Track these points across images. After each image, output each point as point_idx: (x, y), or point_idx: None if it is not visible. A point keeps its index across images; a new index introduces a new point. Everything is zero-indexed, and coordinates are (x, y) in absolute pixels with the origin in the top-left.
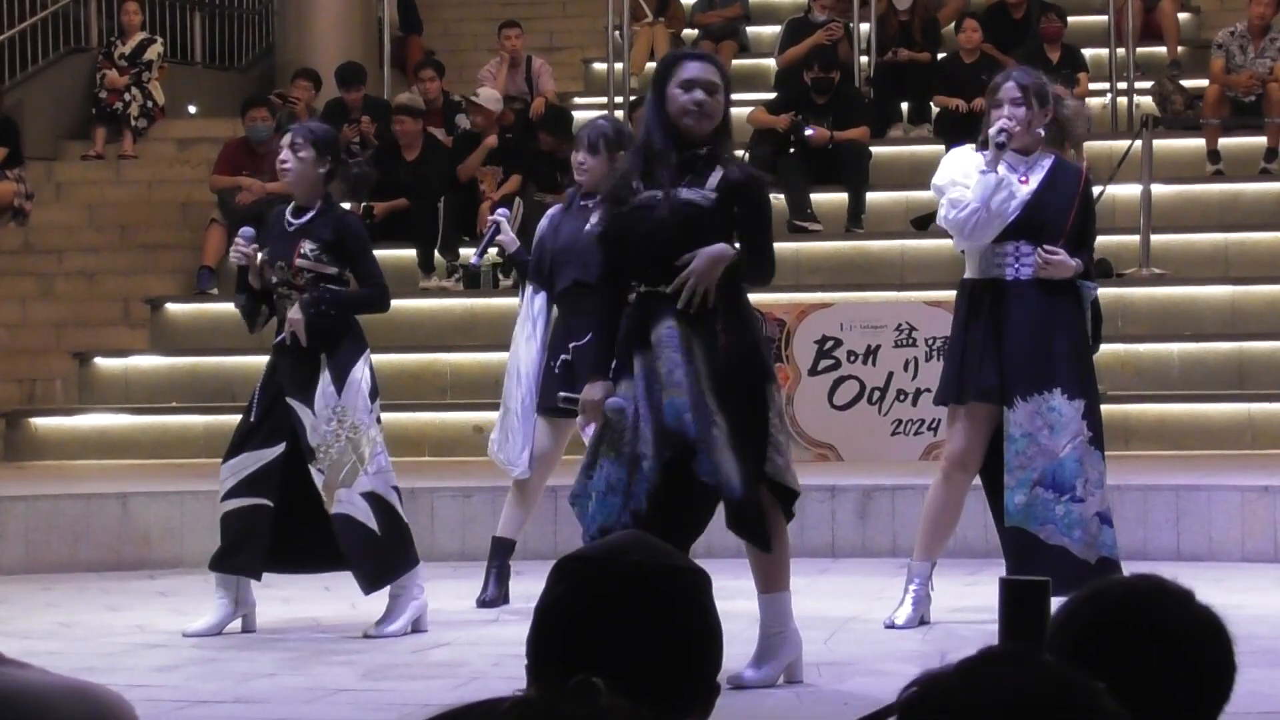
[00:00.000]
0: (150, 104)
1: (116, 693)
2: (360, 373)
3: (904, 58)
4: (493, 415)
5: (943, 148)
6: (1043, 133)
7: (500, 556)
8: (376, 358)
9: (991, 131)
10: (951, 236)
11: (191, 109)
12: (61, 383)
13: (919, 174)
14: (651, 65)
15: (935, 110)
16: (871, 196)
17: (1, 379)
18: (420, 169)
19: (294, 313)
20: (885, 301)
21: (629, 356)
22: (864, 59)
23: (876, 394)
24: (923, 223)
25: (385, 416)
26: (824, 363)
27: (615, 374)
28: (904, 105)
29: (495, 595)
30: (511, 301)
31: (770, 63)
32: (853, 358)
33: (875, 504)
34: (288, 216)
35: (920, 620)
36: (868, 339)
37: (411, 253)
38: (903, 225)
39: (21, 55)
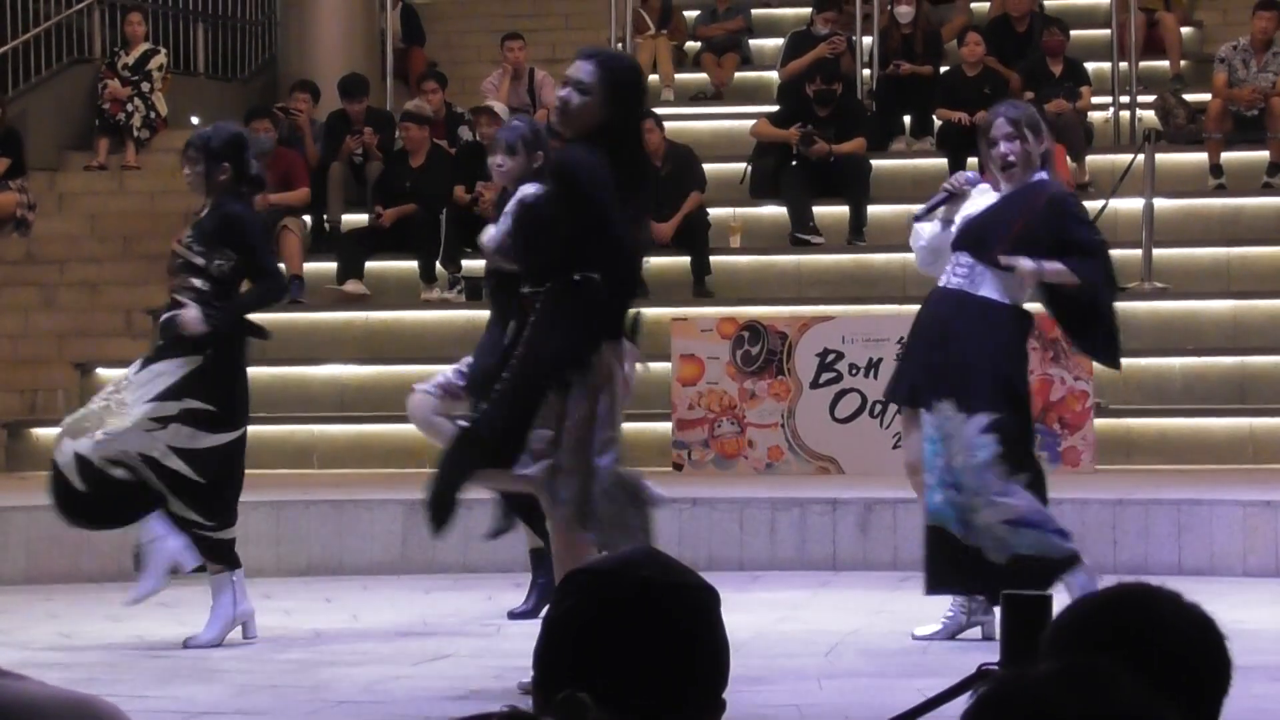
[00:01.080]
0: (153, 115)
1: (113, 705)
2: (174, 376)
3: (906, 71)
4: None
5: (945, 161)
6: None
7: (542, 567)
8: (376, 369)
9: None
10: None
11: (194, 120)
12: (63, 393)
13: (921, 187)
14: (654, 77)
15: (938, 123)
16: (873, 209)
17: (3, 389)
18: (425, 177)
19: (191, 311)
20: (887, 314)
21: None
22: (866, 72)
23: (878, 407)
24: None
25: (386, 429)
26: (825, 376)
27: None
28: (906, 118)
29: (532, 609)
30: None
31: (772, 75)
32: (854, 370)
33: (877, 517)
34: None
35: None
36: (870, 352)
37: (413, 264)
38: (904, 238)
39: (25, 66)
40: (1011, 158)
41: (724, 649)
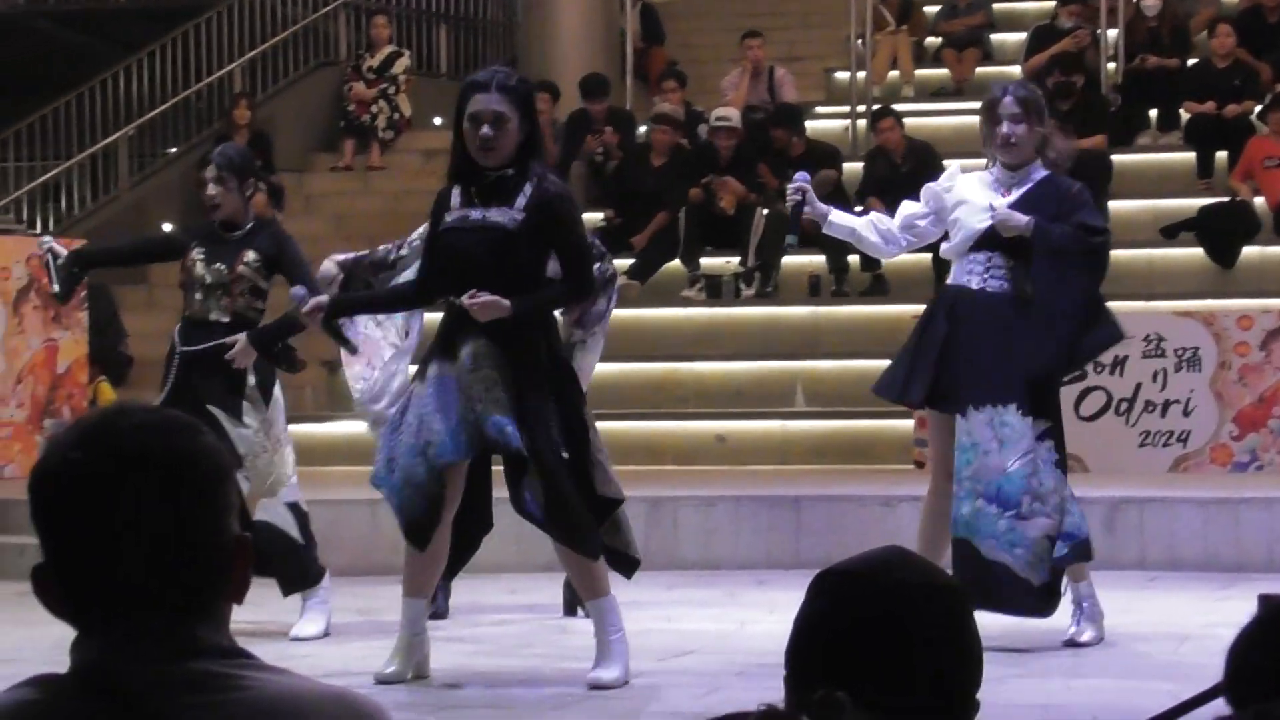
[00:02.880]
0: (397, 116)
1: (375, 700)
2: (278, 392)
3: (1152, 64)
4: (737, 425)
5: (1193, 155)
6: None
7: None
8: (618, 367)
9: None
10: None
11: (437, 120)
12: (311, 390)
13: (1167, 182)
14: (893, 74)
15: (1185, 117)
16: (1118, 205)
17: None
18: (666, 177)
19: (241, 342)
20: (1133, 312)
21: (429, 358)
22: (1111, 66)
23: (1124, 405)
24: (1171, 231)
25: (629, 426)
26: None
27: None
28: (1152, 112)
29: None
30: (755, 311)
31: (1015, 70)
32: (1100, 368)
33: (1123, 516)
34: (219, 229)
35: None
36: (1115, 349)
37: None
38: (1151, 234)
39: (273, 70)
40: (1013, 139)
41: (976, 649)
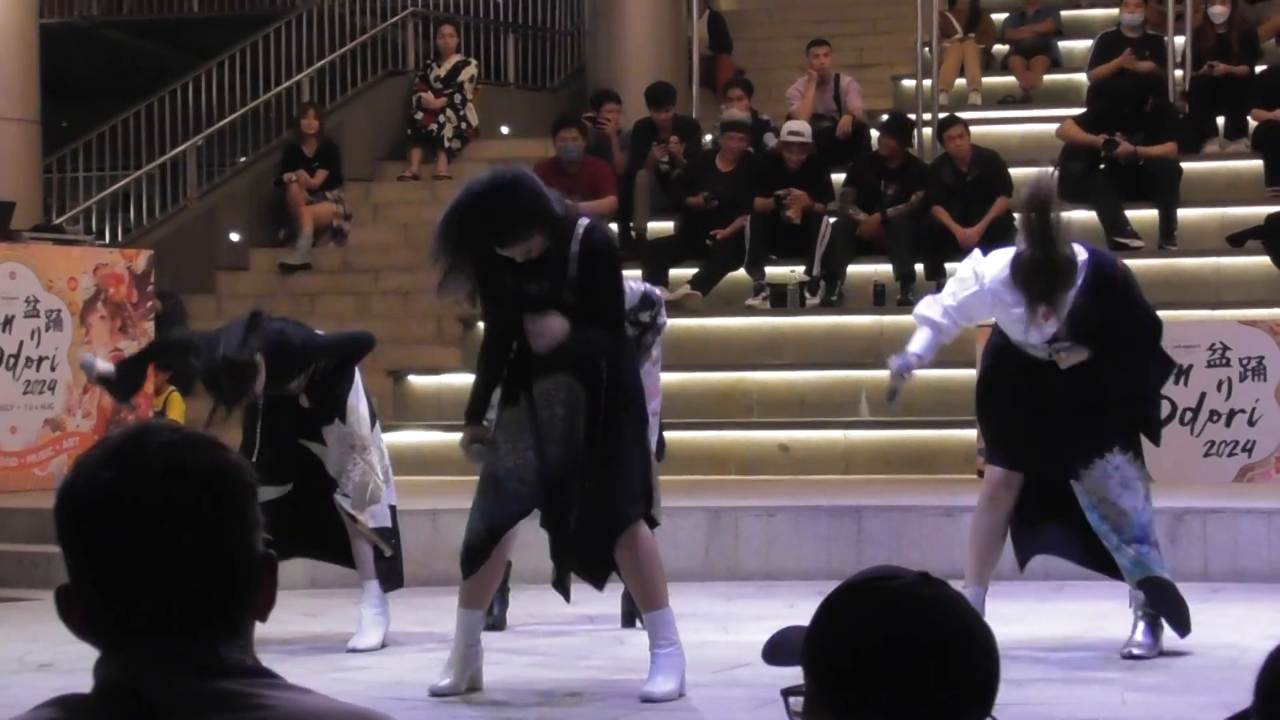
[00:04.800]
0: (464, 125)
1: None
2: (354, 399)
3: (1220, 71)
4: (800, 434)
5: (1260, 163)
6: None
7: None
8: (682, 376)
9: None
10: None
11: (504, 130)
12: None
13: (1235, 190)
14: (961, 81)
15: (1253, 125)
16: (1185, 213)
17: None
18: (734, 183)
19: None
20: (1198, 320)
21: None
22: (1179, 73)
23: (1189, 415)
24: (1239, 239)
25: (692, 435)
26: None
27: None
28: (1220, 120)
29: None
30: (819, 320)
31: (1083, 78)
32: None
33: (1187, 527)
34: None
35: None
36: (1180, 358)
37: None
38: (1217, 242)
39: (342, 79)
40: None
41: (995, 661)
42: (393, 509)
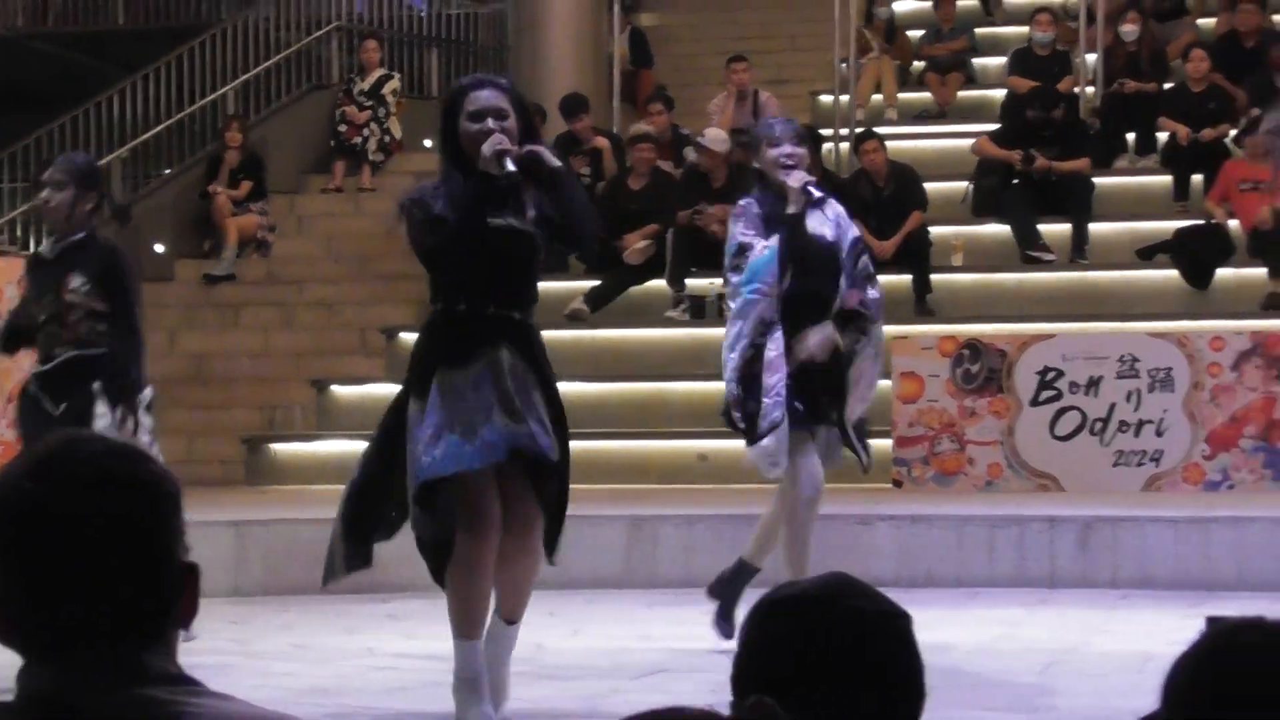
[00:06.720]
0: (388, 138)
1: None
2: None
3: (1131, 88)
4: (719, 444)
5: (1170, 178)
6: None
7: None
8: (603, 386)
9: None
10: None
11: (427, 143)
12: (301, 409)
13: (1144, 204)
14: (877, 97)
15: (1162, 139)
16: (1096, 227)
17: (245, 406)
18: (648, 199)
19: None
20: (1109, 332)
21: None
22: (1090, 89)
23: (1099, 425)
24: (1148, 253)
25: (613, 444)
26: (1045, 394)
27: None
28: (1130, 136)
29: None
30: None
31: (997, 94)
32: (1075, 389)
33: (1096, 535)
34: (44, 250)
35: None
36: (1090, 370)
37: (645, 284)
38: (1128, 256)
39: (266, 92)
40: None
41: (921, 675)
42: None
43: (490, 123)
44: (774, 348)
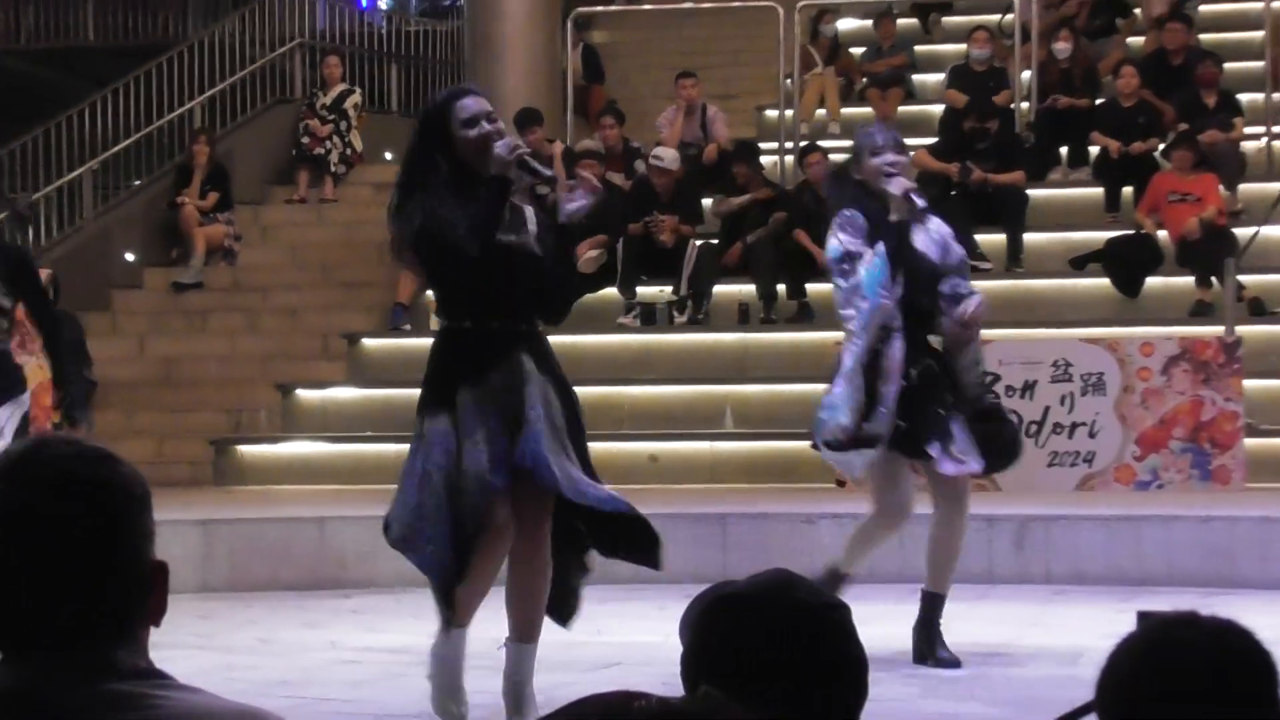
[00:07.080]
0: (349, 151)
1: (280, 717)
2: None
3: (1064, 104)
4: (669, 445)
5: (1101, 190)
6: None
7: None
8: None
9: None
10: None
11: (388, 155)
12: (265, 412)
13: (1076, 215)
14: (821, 112)
15: (1094, 153)
16: (1031, 237)
17: (211, 408)
18: (597, 211)
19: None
20: (1043, 338)
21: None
22: (1025, 105)
23: (1034, 427)
24: (1081, 262)
25: None
26: None
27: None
28: (1064, 149)
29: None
30: (687, 338)
31: (935, 109)
32: (1010, 392)
33: (1031, 533)
34: None
35: None
36: (1025, 374)
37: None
38: (1061, 265)
39: (232, 106)
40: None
41: (865, 667)
42: None
43: (486, 125)
44: (893, 354)
